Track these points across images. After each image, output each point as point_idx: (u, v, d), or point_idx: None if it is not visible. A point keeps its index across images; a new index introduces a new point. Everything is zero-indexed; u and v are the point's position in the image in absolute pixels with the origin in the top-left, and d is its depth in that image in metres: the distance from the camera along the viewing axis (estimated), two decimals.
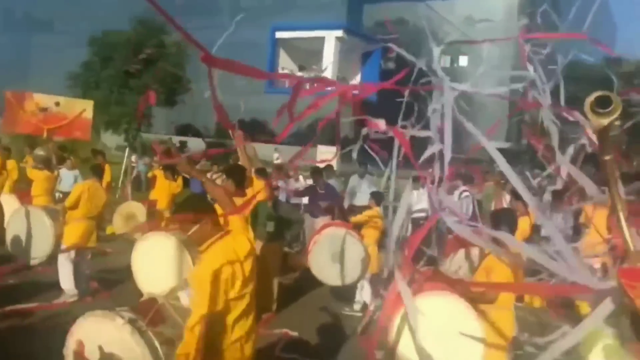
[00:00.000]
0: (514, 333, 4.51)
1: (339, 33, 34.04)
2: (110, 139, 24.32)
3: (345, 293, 7.51)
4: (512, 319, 4.28)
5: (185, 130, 33.13)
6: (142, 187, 19.77)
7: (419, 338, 3.89)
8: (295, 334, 6.13)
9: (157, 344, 3.26)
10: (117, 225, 9.62)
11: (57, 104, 13.99)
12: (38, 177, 9.14)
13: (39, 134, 14.72)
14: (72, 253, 6.97)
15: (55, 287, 7.03)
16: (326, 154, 25.92)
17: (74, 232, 7.00)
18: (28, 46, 45.40)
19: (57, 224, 7.35)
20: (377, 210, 7.49)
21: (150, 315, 3.38)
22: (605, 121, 1.99)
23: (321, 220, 9.33)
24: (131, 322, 3.28)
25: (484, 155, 3.65)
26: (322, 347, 5.95)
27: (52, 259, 7.27)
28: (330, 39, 33.88)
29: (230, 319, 3.02)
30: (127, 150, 20.66)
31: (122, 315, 3.33)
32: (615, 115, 1.98)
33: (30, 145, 18.49)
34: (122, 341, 3.24)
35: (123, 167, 18.01)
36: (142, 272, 6.40)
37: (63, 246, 7.02)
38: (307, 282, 8.06)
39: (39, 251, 7.69)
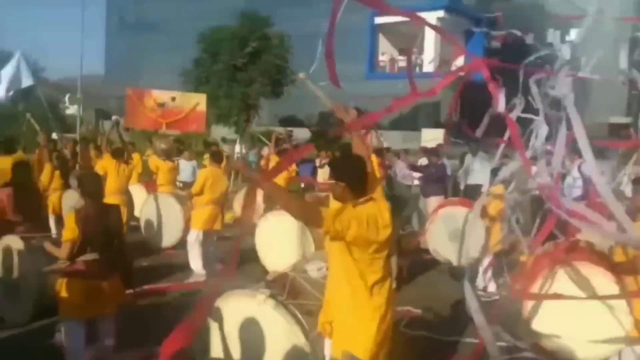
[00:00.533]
0: None
1: (440, 13, 33.22)
2: (217, 132, 25.38)
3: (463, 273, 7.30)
4: None
5: (289, 121, 33.77)
6: None
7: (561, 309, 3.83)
8: (418, 311, 6.04)
9: (299, 315, 3.34)
10: (237, 210, 9.99)
11: (173, 99, 14.88)
12: (162, 168, 9.69)
13: (157, 128, 15.76)
14: (200, 236, 7.29)
15: (185, 268, 7.40)
16: (431, 136, 25.46)
17: (201, 216, 7.30)
18: (141, 47, 48.34)
19: (185, 209, 7.78)
20: (499, 187, 7.19)
21: (287, 289, 3.43)
22: None
23: (435, 200, 9.17)
24: (272, 296, 3.37)
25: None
26: (444, 324, 5.82)
27: (181, 242, 7.71)
28: (431, 20, 33.04)
29: (370, 281, 2.97)
30: (237, 141, 21.49)
31: (261, 291, 3.41)
32: None
33: (149, 139, 19.74)
34: (265, 316, 3.32)
35: (235, 157, 18.71)
36: (266, 250, 6.65)
37: (192, 230, 7.37)
38: (423, 263, 7.96)
39: (170, 235, 8.25)
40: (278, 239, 6.56)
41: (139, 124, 15.33)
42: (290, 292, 3.52)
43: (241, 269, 7.18)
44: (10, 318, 4.58)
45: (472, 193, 7.75)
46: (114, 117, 38.23)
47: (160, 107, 14.52)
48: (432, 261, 7.86)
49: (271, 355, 3.33)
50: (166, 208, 8.42)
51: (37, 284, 4.37)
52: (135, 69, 46.76)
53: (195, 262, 7.25)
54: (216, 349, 3.64)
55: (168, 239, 8.45)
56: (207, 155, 11.47)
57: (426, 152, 11.17)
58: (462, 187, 9.97)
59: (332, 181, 3.07)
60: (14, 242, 4.73)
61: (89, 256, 4.12)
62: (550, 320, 4.36)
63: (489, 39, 38.59)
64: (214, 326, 3.61)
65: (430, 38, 33.74)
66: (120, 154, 9.12)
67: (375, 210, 3.00)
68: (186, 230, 7.72)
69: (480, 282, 7.14)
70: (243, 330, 3.43)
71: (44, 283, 4.28)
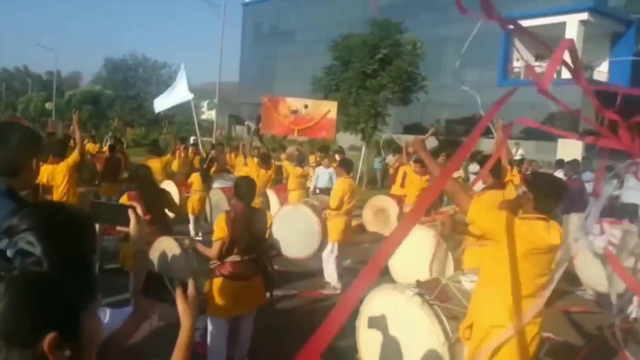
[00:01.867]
0: None
1: (584, 16, 31.03)
2: (344, 139, 25.62)
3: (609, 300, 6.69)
4: None
5: (414, 128, 33.36)
6: (377, 183, 20.43)
7: None
8: (559, 338, 5.63)
9: (443, 316, 3.39)
10: (367, 218, 9.99)
11: (306, 106, 15.28)
12: (294, 173, 9.97)
13: (289, 135, 16.28)
14: (335, 248, 7.28)
15: (318, 275, 7.47)
16: (568, 148, 23.86)
17: (336, 228, 7.28)
18: (275, 55, 50.38)
19: (321, 220, 7.74)
20: None
21: (436, 292, 3.54)
22: None
23: (577, 218, 8.52)
24: (420, 295, 3.48)
25: None
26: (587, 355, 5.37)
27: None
28: (573, 23, 31.06)
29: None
30: (363, 149, 21.58)
31: (411, 289, 3.55)
32: None
33: (280, 145, 20.45)
34: (411, 312, 3.44)
35: (360, 165, 18.84)
36: (399, 262, 6.51)
37: (329, 244, 7.34)
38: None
39: (307, 246, 8.13)
40: (414, 253, 6.39)
41: (273, 130, 15.91)
42: (439, 296, 3.52)
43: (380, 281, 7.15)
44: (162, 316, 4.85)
45: (624, 212, 7.07)
46: (247, 123, 40.17)
47: (293, 114, 14.96)
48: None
49: (410, 350, 3.45)
50: (302, 219, 8.25)
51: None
52: (268, 76, 48.82)
53: (332, 275, 7.23)
54: (362, 337, 3.88)
55: (303, 249, 8.08)
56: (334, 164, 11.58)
57: (564, 165, 10.49)
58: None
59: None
60: (168, 243, 4.98)
61: (236, 257, 4.31)
62: None
63: (638, 42, 35.50)
64: (362, 314, 3.87)
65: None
66: (267, 160, 9.58)
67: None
68: (323, 241, 7.61)
69: (633, 311, 6.50)
70: (388, 323, 3.62)
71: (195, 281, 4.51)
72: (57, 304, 0.96)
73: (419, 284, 3.70)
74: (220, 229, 4.30)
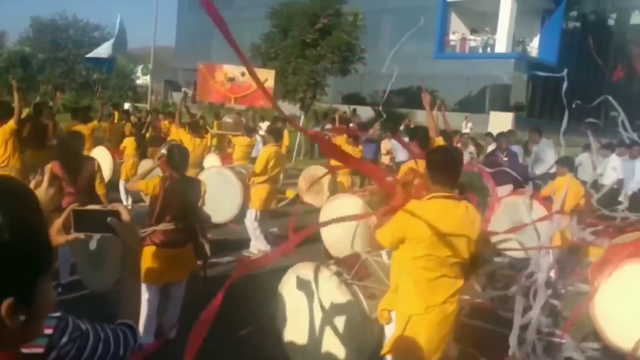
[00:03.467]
0: None
1: None
2: (282, 108, 25.55)
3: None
4: None
5: (353, 98, 33.63)
6: (315, 154, 20.58)
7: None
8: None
9: (361, 296, 3.40)
10: (302, 188, 10.10)
11: (243, 74, 15.04)
12: (240, 142, 9.88)
13: (226, 102, 16.08)
14: (257, 215, 7.35)
15: (243, 243, 7.53)
16: (499, 120, 24.77)
17: (258, 195, 7.32)
18: (212, 21, 49.10)
19: (245, 186, 7.86)
20: (569, 177, 6.96)
21: (355, 270, 3.55)
22: None
23: (503, 189, 8.93)
24: (338, 274, 3.47)
25: None
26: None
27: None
28: None
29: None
30: (302, 118, 21.62)
31: (330, 268, 3.54)
32: None
33: (215, 114, 20.16)
34: (328, 292, 3.45)
35: (298, 135, 18.89)
36: (328, 235, 6.68)
37: (250, 209, 7.39)
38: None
39: (227, 211, 8.26)
40: (343, 224, 6.54)
41: (209, 97, 15.66)
42: (359, 272, 3.56)
43: (307, 249, 7.31)
44: (93, 284, 4.80)
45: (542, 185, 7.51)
46: (183, 89, 39.16)
47: (229, 82, 14.74)
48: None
49: (329, 330, 3.45)
50: (225, 183, 8.35)
51: (120, 251, 4.58)
52: (205, 42, 47.62)
53: (258, 238, 7.36)
54: (281, 316, 3.88)
55: (223, 214, 8.34)
56: (262, 133, 11.59)
57: (497, 137, 10.91)
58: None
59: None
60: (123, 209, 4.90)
61: (168, 225, 4.33)
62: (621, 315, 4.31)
63: (567, 19, 36.92)
64: (282, 293, 3.88)
65: (504, 17, 32.57)
66: (197, 129, 9.43)
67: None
68: (244, 207, 7.73)
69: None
70: (307, 302, 3.60)
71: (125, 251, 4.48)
72: (15, 272, 0.99)
73: (338, 261, 3.76)
74: (151, 187, 4.31)
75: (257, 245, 7.36)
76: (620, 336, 4.32)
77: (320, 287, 3.52)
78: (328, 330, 3.46)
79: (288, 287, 3.84)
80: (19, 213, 1.03)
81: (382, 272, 3.61)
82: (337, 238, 6.58)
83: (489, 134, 12.48)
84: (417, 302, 2.90)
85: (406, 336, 2.89)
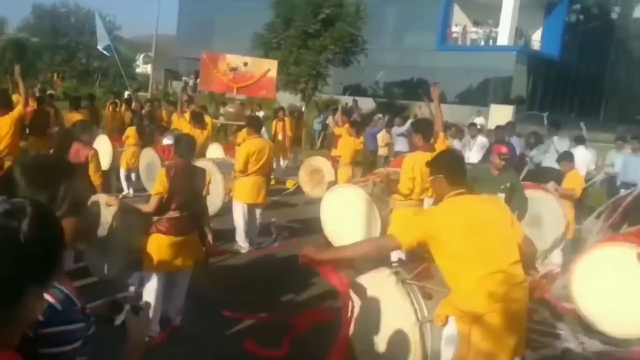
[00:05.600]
0: None
1: None
2: (283, 98, 25.55)
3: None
4: None
5: (354, 89, 33.58)
6: (316, 144, 20.59)
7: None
8: None
9: (420, 296, 3.35)
10: (302, 179, 10.16)
11: (246, 64, 15.08)
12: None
13: (229, 92, 16.10)
14: (245, 208, 7.00)
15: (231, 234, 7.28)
16: (500, 113, 24.74)
17: (241, 188, 6.99)
18: (214, 9, 48.74)
19: (228, 178, 7.51)
20: (574, 171, 7.03)
21: (416, 272, 3.51)
22: None
23: None
24: (396, 274, 3.45)
25: None
26: None
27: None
28: None
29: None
30: (303, 109, 21.62)
31: (393, 268, 3.55)
32: None
33: (217, 103, 20.13)
34: (387, 291, 3.41)
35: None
36: (331, 220, 6.71)
37: (234, 202, 7.06)
38: None
39: (211, 204, 8.09)
40: (344, 212, 6.58)
41: (212, 87, 15.68)
42: (421, 274, 3.51)
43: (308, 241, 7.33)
44: (99, 273, 4.84)
45: (545, 177, 7.55)
46: (184, 78, 39.07)
47: (232, 72, 14.74)
48: None
49: (384, 329, 3.43)
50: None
51: (127, 239, 4.62)
52: (207, 31, 47.40)
53: (239, 234, 7.00)
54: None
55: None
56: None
57: (496, 129, 10.94)
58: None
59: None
60: (104, 200, 4.89)
61: (174, 213, 4.37)
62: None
63: (570, 12, 36.78)
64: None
65: (507, 9, 32.46)
66: (199, 120, 9.42)
67: None
68: (229, 199, 7.41)
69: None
70: (367, 302, 3.55)
71: (133, 239, 4.53)
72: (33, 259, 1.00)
73: (401, 262, 3.73)
74: (160, 183, 4.34)
75: (238, 240, 7.00)
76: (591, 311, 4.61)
77: (381, 285, 3.49)
78: (384, 329, 3.44)
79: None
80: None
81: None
82: (340, 229, 6.64)
83: (473, 124, 12.37)
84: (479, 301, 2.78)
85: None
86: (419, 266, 3.54)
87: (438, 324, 2.96)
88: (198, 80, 15.28)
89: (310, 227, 7.64)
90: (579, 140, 9.74)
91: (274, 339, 4.36)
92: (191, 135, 5.80)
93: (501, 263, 2.82)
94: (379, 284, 3.47)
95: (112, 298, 1.65)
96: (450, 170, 3.09)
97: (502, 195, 5.42)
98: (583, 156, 9.43)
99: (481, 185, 5.28)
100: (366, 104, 27.27)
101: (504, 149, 5.87)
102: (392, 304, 3.36)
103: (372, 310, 3.48)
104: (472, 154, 10.41)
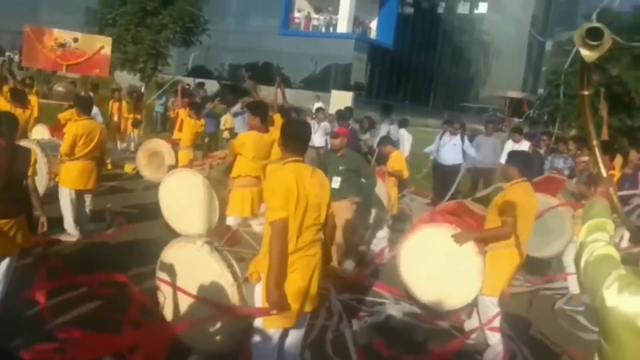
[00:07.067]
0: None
1: None
2: (122, 78, 24.22)
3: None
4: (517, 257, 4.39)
5: (198, 71, 32.91)
6: (157, 127, 19.87)
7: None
8: None
9: (232, 260, 3.69)
10: (141, 162, 9.79)
11: (76, 40, 14.02)
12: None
13: (57, 70, 14.87)
14: (72, 194, 6.49)
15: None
16: (340, 98, 25.87)
17: (67, 172, 6.46)
18: None
19: (53, 161, 7.01)
20: (397, 153, 7.67)
21: (225, 238, 3.87)
22: (593, 54, 1.88)
23: None
24: (208, 243, 3.75)
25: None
26: None
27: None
28: None
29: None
30: (143, 89, 20.69)
31: (201, 238, 3.84)
32: (605, 49, 1.87)
33: (46, 81, 18.50)
34: (202, 260, 3.71)
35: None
36: (171, 204, 6.63)
37: (60, 187, 6.54)
38: None
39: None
40: (183, 196, 6.52)
41: (37, 64, 14.39)
42: (229, 241, 3.87)
43: (147, 225, 7.14)
44: None
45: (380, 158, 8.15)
46: (7, 54, 35.30)
47: (60, 48, 13.64)
48: None
49: (204, 295, 3.72)
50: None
51: None
52: (33, 3, 43.20)
53: (67, 221, 6.51)
54: (163, 288, 4.07)
55: None
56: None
57: (336, 113, 11.53)
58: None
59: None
60: None
61: None
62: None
63: (402, 5, 39.39)
64: (160, 270, 4.07)
65: None
66: (20, 98, 8.62)
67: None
68: (54, 184, 6.90)
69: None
70: (184, 272, 3.90)
71: None
72: None
73: (210, 232, 3.90)
74: None
75: (67, 228, 6.53)
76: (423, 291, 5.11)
77: (195, 256, 3.77)
78: (205, 294, 3.73)
79: (166, 263, 4.04)
80: None
81: (252, 239, 3.90)
82: (179, 214, 6.59)
83: (320, 109, 12.85)
84: None
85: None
86: (226, 234, 3.92)
87: (253, 282, 3.19)
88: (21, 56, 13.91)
89: (149, 212, 7.45)
90: (403, 123, 10.86)
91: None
92: (12, 112, 5.33)
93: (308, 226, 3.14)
94: (194, 254, 3.77)
95: None
96: (290, 139, 3.26)
97: (338, 179, 5.81)
98: (407, 138, 10.52)
99: (328, 165, 5.99)
100: (211, 86, 26.88)
101: (341, 131, 6.34)
102: (210, 270, 3.66)
103: (193, 280, 3.78)
104: (316, 137, 10.89)
